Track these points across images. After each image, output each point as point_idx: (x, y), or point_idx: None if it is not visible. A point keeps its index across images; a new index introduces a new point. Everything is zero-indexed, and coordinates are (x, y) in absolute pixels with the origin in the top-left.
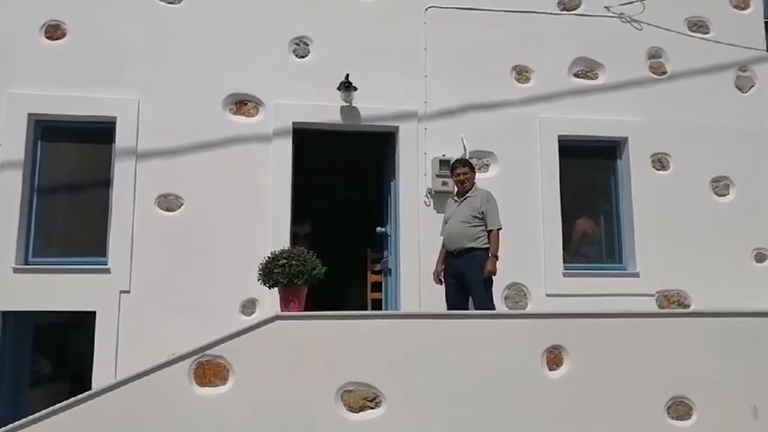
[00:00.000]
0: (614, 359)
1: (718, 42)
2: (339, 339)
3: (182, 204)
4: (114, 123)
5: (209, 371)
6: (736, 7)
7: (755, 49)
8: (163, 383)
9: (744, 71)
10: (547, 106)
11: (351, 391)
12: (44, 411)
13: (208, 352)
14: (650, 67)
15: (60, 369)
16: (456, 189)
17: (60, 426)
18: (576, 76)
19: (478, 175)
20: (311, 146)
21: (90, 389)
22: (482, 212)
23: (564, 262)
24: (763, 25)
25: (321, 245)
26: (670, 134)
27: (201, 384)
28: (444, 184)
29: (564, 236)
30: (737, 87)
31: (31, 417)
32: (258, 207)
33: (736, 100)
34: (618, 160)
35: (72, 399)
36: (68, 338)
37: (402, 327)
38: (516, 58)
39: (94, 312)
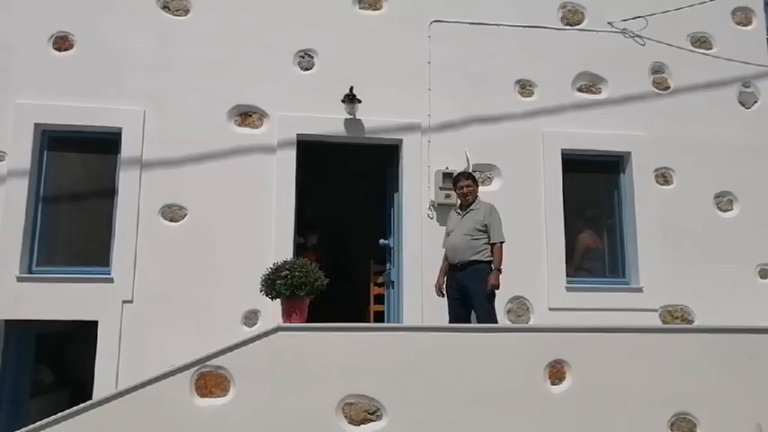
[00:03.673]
0: (617, 374)
1: (721, 58)
2: (341, 351)
3: (185, 215)
4: (120, 134)
5: (211, 382)
6: (738, 23)
7: (758, 64)
8: (164, 394)
9: (747, 87)
10: (550, 120)
11: (352, 403)
12: (44, 421)
13: (209, 363)
14: (653, 82)
15: (62, 379)
16: (459, 202)
17: None
18: (580, 90)
19: (481, 189)
20: (315, 157)
21: (91, 399)
22: (485, 225)
23: (567, 276)
24: (765, 41)
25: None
26: (673, 149)
27: (202, 395)
28: (447, 196)
29: (567, 250)
30: (740, 103)
31: (30, 426)
32: (261, 218)
33: (740, 115)
34: (621, 175)
35: (72, 408)
36: (70, 348)
37: (404, 339)
38: (520, 72)
39: (97, 322)
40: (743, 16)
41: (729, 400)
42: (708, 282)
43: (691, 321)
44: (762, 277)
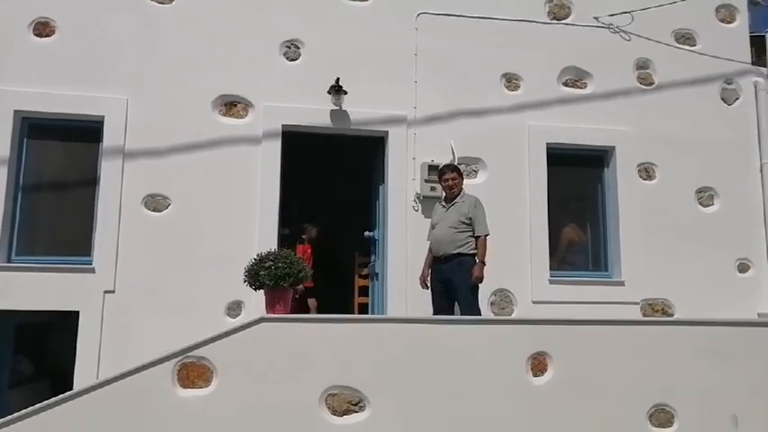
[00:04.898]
0: (598, 366)
1: (704, 55)
2: (324, 342)
3: (169, 205)
4: (102, 122)
5: (193, 372)
6: (722, 21)
7: (741, 62)
8: (146, 384)
9: (729, 84)
10: (536, 114)
11: (335, 394)
12: (24, 411)
13: (191, 353)
14: (638, 77)
15: (42, 369)
16: (444, 194)
17: (41, 426)
18: (565, 84)
19: (466, 181)
20: (301, 148)
21: (72, 389)
22: (470, 218)
23: (550, 269)
24: (748, 39)
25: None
26: (656, 144)
27: (185, 386)
28: (432, 189)
29: (550, 243)
30: (723, 99)
31: (10, 417)
32: (246, 209)
33: (722, 112)
34: (605, 169)
35: (53, 399)
36: (51, 338)
37: (388, 331)
38: (506, 66)
39: (78, 312)
40: (726, 13)
41: (707, 391)
42: (688, 276)
43: (671, 314)
44: (741, 271)
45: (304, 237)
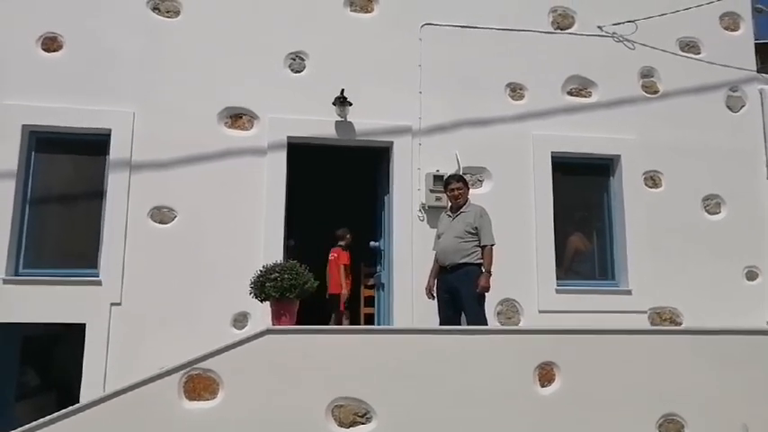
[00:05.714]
0: (606, 376)
1: (709, 63)
2: (330, 354)
3: (175, 217)
4: (109, 135)
5: (199, 384)
6: (726, 28)
7: (746, 69)
8: (152, 397)
9: (734, 91)
10: (540, 123)
11: (341, 406)
12: (30, 425)
13: (198, 365)
14: (643, 86)
15: (48, 382)
16: (449, 204)
17: None
18: (570, 93)
19: (472, 191)
20: (306, 160)
21: (78, 402)
22: (476, 228)
23: (557, 278)
24: (753, 46)
25: None
26: (662, 152)
27: (191, 398)
28: (438, 199)
29: (557, 252)
30: (728, 107)
31: (16, 430)
32: (251, 220)
33: (727, 119)
34: (611, 178)
35: (59, 412)
36: (57, 351)
37: (394, 342)
38: (510, 76)
39: (84, 324)
40: (731, 21)
41: (717, 400)
42: (696, 284)
43: (679, 323)
44: (749, 279)
45: (342, 243)
